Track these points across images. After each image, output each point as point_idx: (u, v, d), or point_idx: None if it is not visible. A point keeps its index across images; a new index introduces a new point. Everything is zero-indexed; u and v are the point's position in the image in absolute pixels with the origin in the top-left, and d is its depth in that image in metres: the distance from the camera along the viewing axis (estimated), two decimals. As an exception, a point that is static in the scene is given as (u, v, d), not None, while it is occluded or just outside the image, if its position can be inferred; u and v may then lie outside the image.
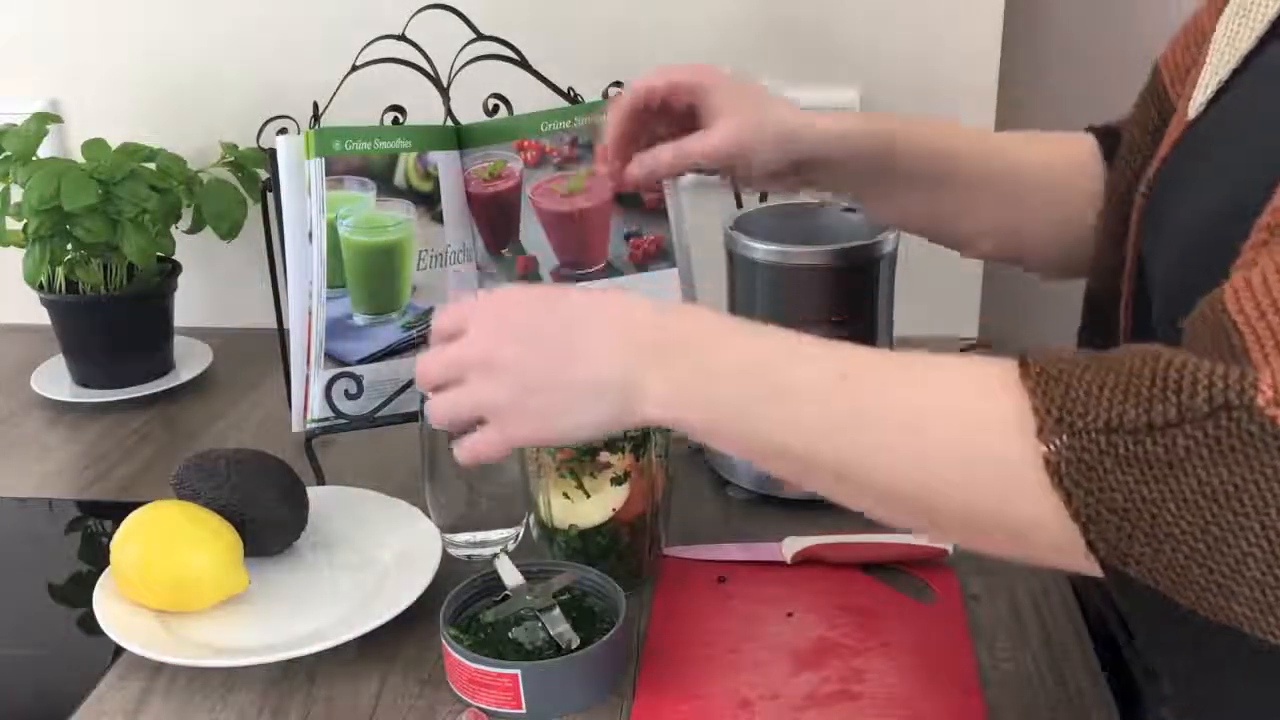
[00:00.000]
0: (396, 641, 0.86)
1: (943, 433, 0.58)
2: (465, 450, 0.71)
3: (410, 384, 1.00)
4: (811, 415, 0.61)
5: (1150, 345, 0.55)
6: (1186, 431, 0.50)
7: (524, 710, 0.79)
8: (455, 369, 0.70)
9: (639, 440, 0.88)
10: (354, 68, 1.02)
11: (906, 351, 0.63)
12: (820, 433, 0.61)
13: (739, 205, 1.09)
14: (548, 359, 0.68)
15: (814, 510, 1.02)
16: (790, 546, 0.93)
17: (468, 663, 0.79)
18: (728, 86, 0.86)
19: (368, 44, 1.02)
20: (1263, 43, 0.65)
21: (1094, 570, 0.55)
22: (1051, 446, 0.53)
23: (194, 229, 1.29)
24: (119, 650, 0.86)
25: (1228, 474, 0.50)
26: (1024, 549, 0.58)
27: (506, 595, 0.85)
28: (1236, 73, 0.67)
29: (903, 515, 0.62)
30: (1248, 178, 0.58)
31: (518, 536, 0.97)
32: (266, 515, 0.92)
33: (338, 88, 1.01)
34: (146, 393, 1.26)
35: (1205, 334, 0.53)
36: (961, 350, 1.11)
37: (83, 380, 1.27)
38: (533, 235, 1.08)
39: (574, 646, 0.81)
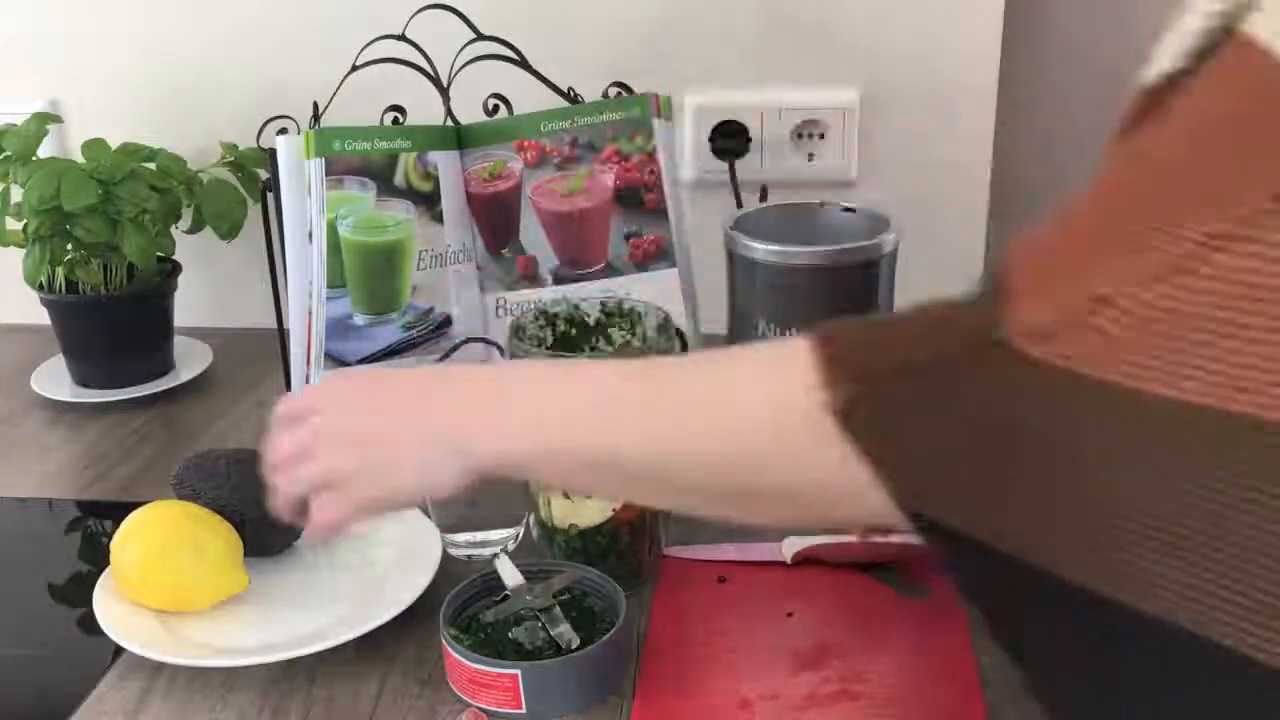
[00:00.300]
0: (396, 641, 0.86)
1: (747, 395, 0.61)
2: (312, 530, 0.74)
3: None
4: (634, 416, 0.64)
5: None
6: (954, 368, 0.52)
7: (524, 710, 0.79)
8: (301, 445, 0.73)
9: (639, 440, 0.88)
10: (354, 68, 1.02)
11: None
12: (644, 430, 0.64)
13: (739, 205, 1.09)
14: (382, 420, 0.72)
15: (814, 510, 1.02)
16: (790, 547, 0.93)
17: (468, 663, 0.79)
18: None
19: (368, 44, 1.02)
20: None
21: (899, 524, 0.56)
22: (838, 396, 0.55)
23: (194, 229, 1.29)
24: (119, 650, 0.85)
25: (1000, 408, 0.50)
26: (827, 507, 0.59)
27: (506, 595, 0.85)
28: None
29: (719, 502, 0.64)
30: None
31: (518, 536, 0.97)
32: (266, 515, 0.92)
33: (338, 88, 1.01)
34: (146, 393, 1.26)
35: (986, 274, 0.55)
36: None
37: (83, 380, 1.27)
38: (533, 235, 1.08)
39: (574, 646, 0.81)
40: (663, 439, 0.63)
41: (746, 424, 0.60)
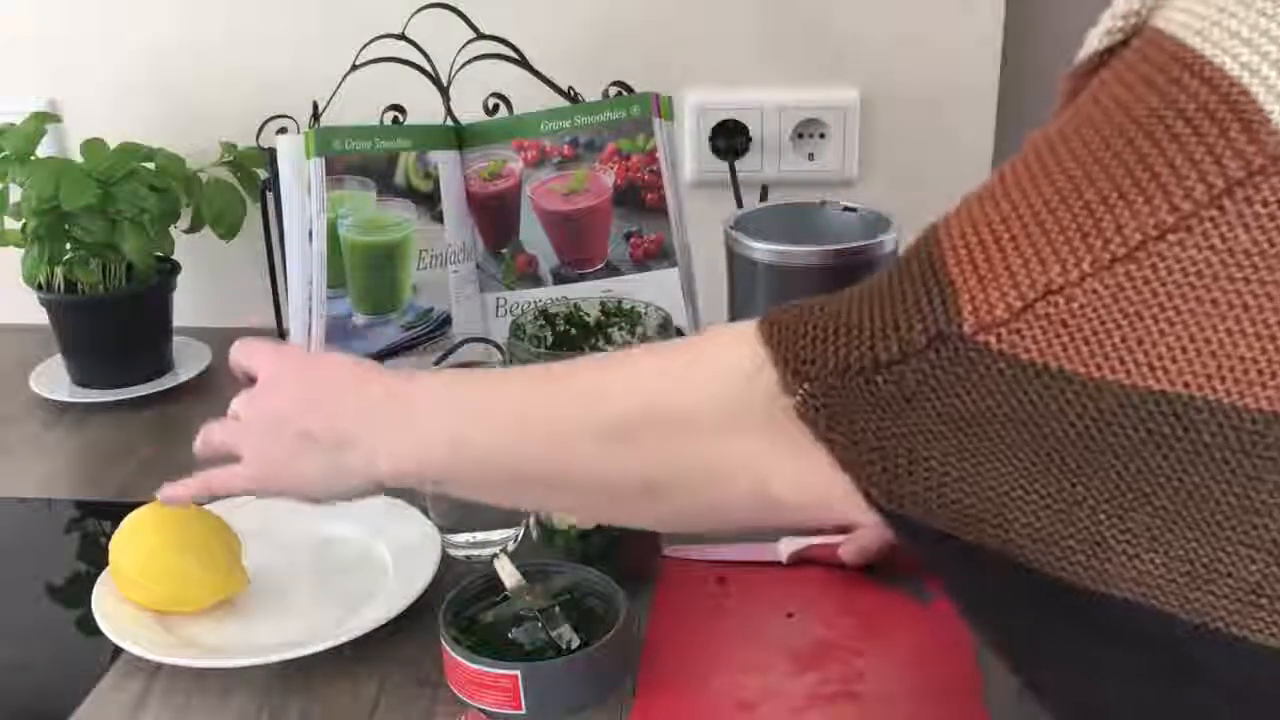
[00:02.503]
0: (396, 641, 0.86)
1: (695, 367, 0.60)
2: (201, 478, 0.79)
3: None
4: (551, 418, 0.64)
5: (870, 280, 0.56)
6: (912, 365, 0.51)
7: (524, 711, 0.79)
8: (236, 409, 0.78)
9: (639, 440, 0.88)
10: (354, 67, 1.02)
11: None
12: (562, 438, 0.63)
13: (739, 205, 1.09)
14: (299, 411, 0.74)
15: (814, 510, 1.02)
16: (786, 546, 0.93)
17: (467, 663, 0.79)
18: None
19: (367, 43, 1.02)
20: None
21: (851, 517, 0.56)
22: (798, 396, 0.54)
23: (193, 229, 1.28)
24: (118, 650, 0.85)
25: (962, 402, 0.50)
26: (799, 510, 0.59)
27: (506, 595, 0.85)
28: None
29: (671, 515, 0.64)
30: None
31: (518, 537, 0.97)
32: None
33: (337, 87, 1.01)
34: (146, 393, 1.26)
35: (915, 262, 0.54)
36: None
37: (82, 380, 1.27)
38: (533, 235, 1.08)
39: (574, 647, 0.80)
40: (593, 450, 0.62)
41: (692, 384, 0.60)
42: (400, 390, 0.71)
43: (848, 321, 0.54)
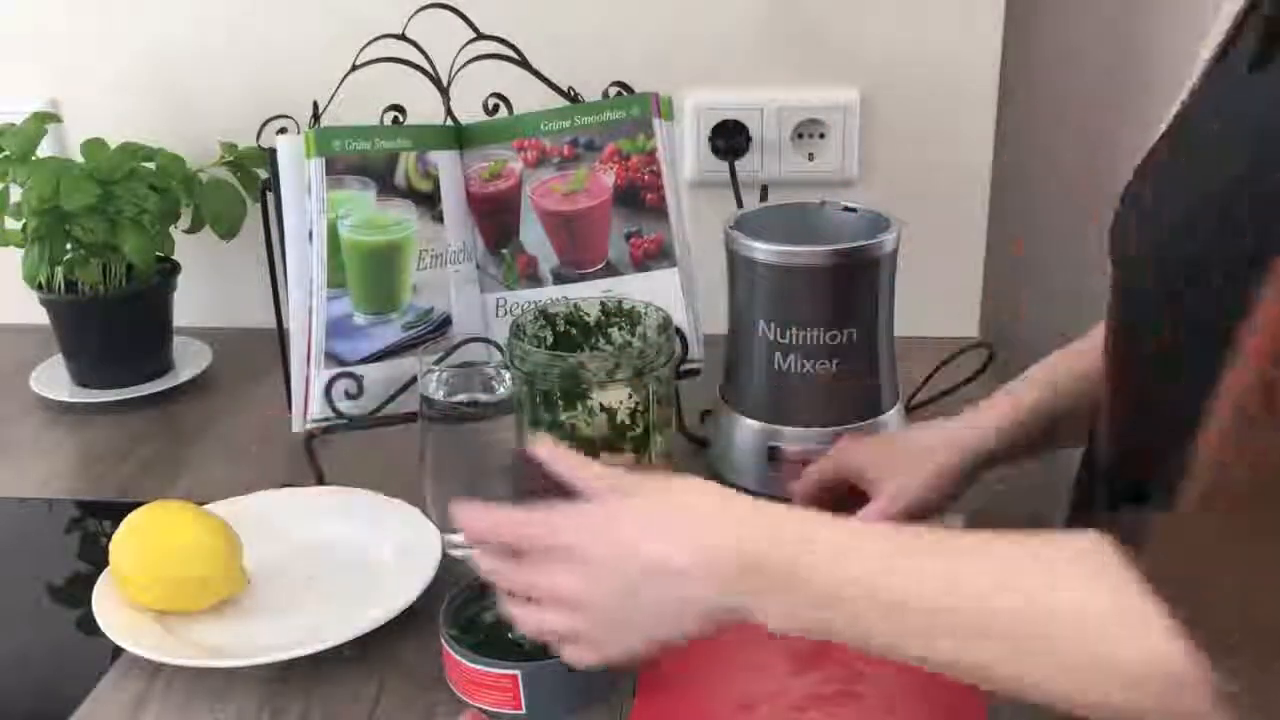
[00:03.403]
0: (396, 641, 0.86)
1: (1072, 643, 0.57)
2: (568, 658, 0.70)
3: (410, 383, 1.00)
4: (921, 626, 0.61)
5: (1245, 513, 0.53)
6: None
7: (524, 710, 0.79)
8: (534, 594, 0.69)
9: (639, 440, 0.88)
10: (354, 67, 1.02)
11: (985, 536, 0.61)
12: (930, 640, 0.61)
13: (739, 205, 1.09)
14: (632, 613, 0.66)
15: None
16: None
17: (467, 663, 0.79)
18: (873, 457, 0.92)
19: (367, 44, 1.02)
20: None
21: None
22: (1220, 675, 0.52)
23: (194, 229, 1.28)
24: (118, 650, 0.85)
25: None
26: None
27: (506, 595, 0.85)
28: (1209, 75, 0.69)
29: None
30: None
31: (518, 536, 0.97)
32: None
33: (337, 88, 1.01)
34: (146, 393, 1.26)
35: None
36: (962, 351, 1.11)
37: (82, 380, 1.27)
38: (533, 235, 1.07)
39: (574, 647, 0.80)
40: (963, 655, 0.60)
41: (1075, 668, 0.57)
42: (763, 563, 0.64)
43: (1264, 584, 0.52)
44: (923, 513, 0.89)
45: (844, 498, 0.92)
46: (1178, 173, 0.69)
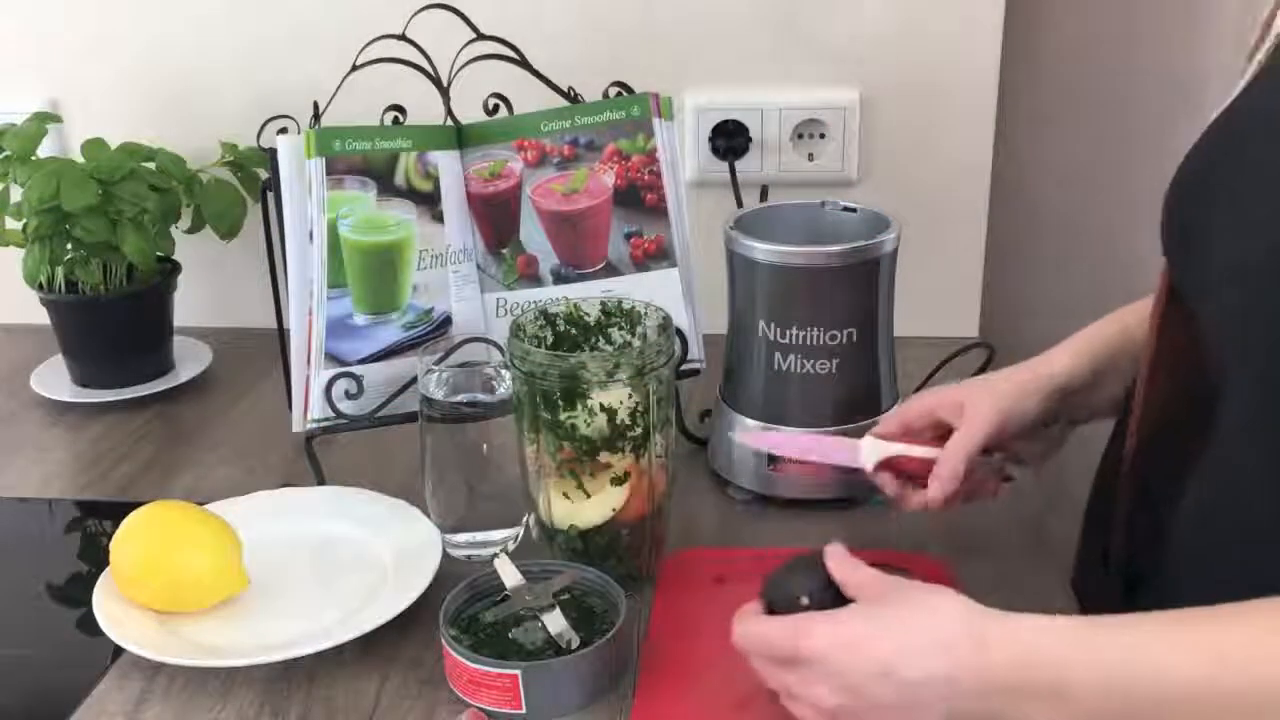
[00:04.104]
0: (396, 641, 0.86)
1: None
2: None
3: (411, 383, 1.00)
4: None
5: None
6: None
7: (524, 710, 0.79)
8: (799, 701, 0.71)
9: (639, 440, 0.88)
10: (354, 67, 1.02)
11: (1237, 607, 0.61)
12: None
13: (739, 205, 1.09)
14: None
15: (815, 511, 1.02)
16: (871, 451, 0.92)
17: (468, 663, 0.79)
18: (938, 397, 0.91)
19: (368, 44, 1.02)
20: None
21: None
22: None
23: (194, 229, 1.29)
24: (119, 650, 0.85)
25: None
26: None
27: (506, 595, 0.85)
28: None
29: None
30: None
31: (518, 537, 0.97)
32: None
33: (338, 88, 1.01)
34: (146, 393, 1.26)
35: None
36: (962, 351, 1.11)
37: (83, 380, 1.27)
38: (533, 235, 1.08)
39: (574, 646, 0.81)
40: None
41: None
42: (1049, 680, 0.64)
43: None
44: (1002, 430, 0.88)
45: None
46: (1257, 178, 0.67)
